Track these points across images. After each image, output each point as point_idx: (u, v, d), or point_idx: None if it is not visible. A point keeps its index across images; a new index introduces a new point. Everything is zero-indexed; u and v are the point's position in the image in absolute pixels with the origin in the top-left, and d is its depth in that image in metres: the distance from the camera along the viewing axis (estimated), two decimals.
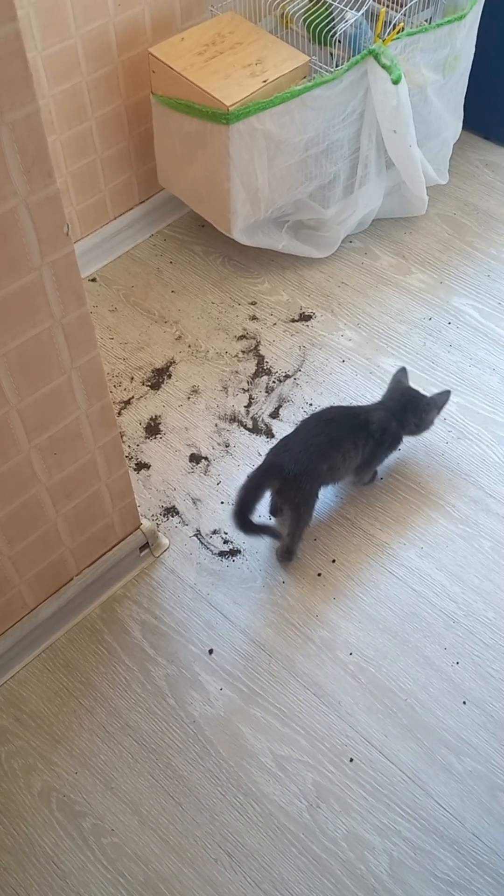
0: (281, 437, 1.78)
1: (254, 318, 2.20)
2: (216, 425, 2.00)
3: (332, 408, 1.84)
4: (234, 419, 2.01)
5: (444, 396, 1.86)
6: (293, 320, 2.19)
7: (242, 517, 1.64)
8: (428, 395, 1.85)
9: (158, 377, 2.09)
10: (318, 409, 1.87)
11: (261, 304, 2.23)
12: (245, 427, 1.99)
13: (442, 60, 2.14)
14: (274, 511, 1.82)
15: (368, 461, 1.78)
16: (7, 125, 0.97)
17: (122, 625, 1.70)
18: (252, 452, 1.94)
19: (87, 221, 2.23)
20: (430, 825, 1.48)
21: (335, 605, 1.72)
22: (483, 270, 2.30)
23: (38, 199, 1.06)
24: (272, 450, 1.74)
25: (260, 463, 1.74)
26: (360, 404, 1.89)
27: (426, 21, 2.14)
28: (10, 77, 0.94)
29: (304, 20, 2.04)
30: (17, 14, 0.91)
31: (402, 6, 2.03)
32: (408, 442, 1.95)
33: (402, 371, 1.89)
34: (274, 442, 1.95)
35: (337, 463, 1.70)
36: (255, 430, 1.99)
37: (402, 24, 2.00)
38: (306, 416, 1.80)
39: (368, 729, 1.57)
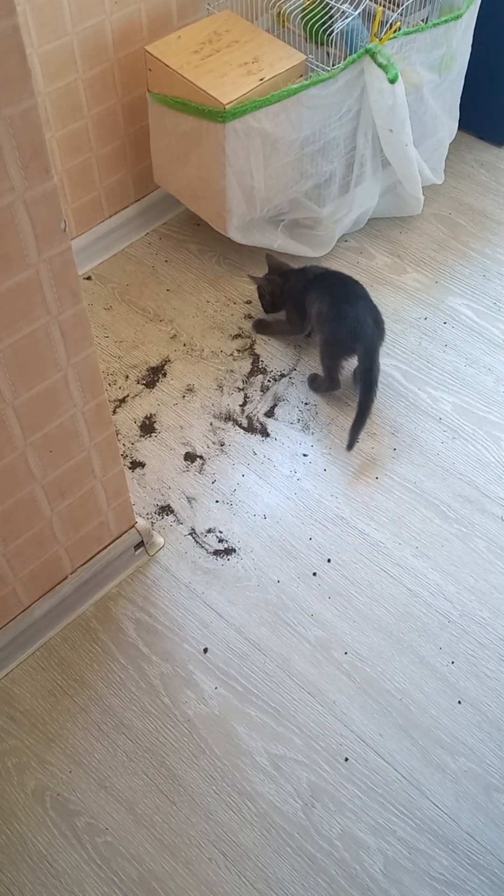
0: (333, 312, 1.95)
1: (249, 316, 2.20)
2: (211, 424, 1.99)
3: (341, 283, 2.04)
4: (229, 418, 2.00)
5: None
6: None
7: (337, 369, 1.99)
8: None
9: (153, 375, 2.09)
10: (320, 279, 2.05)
11: (256, 303, 2.22)
12: (240, 426, 1.99)
13: (438, 60, 2.14)
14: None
15: None
16: (5, 120, 0.96)
17: (117, 623, 1.70)
18: (247, 451, 1.94)
19: (81, 219, 2.22)
20: (425, 825, 1.48)
21: (330, 605, 1.72)
22: (478, 270, 2.30)
23: (35, 195, 1.05)
24: (346, 328, 1.93)
25: (341, 337, 1.94)
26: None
27: (422, 21, 2.14)
28: (8, 72, 0.94)
29: (301, 19, 2.04)
30: (15, 9, 0.91)
31: (398, 6, 2.03)
32: (403, 441, 1.95)
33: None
34: (269, 441, 1.95)
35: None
36: (250, 429, 1.99)
37: (398, 23, 2.00)
38: (328, 290, 2.00)
39: (363, 728, 1.57)
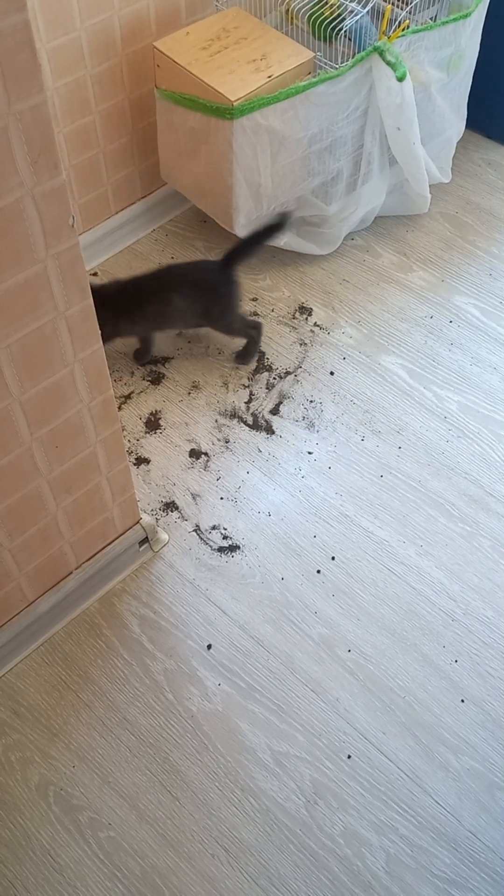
0: (187, 292, 1.97)
1: (254, 314, 2.20)
2: (216, 421, 1.99)
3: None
4: (234, 415, 2.00)
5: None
6: (294, 317, 2.19)
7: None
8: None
9: (159, 372, 2.09)
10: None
11: (262, 300, 2.23)
12: (245, 423, 1.99)
13: (446, 59, 2.14)
14: None
15: None
16: (14, 116, 0.96)
17: (121, 619, 1.70)
18: (252, 449, 1.94)
19: (88, 216, 2.22)
20: (428, 823, 1.48)
21: (334, 602, 1.72)
22: (485, 269, 2.30)
23: (43, 191, 1.05)
24: (209, 282, 1.98)
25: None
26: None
27: (431, 19, 2.13)
28: (18, 67, 0.94)
29: (309, 16, 2.04)
30: (26, 4, 0.91)
31: (407, 4, 2.03)
32: (408, 439, 1.95)
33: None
34: (274, 438, 1.95)
35: None
36: (255, 426, 1.99)
37: (407, 21, 2.00)
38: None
39: (366, 726, 1.57)
